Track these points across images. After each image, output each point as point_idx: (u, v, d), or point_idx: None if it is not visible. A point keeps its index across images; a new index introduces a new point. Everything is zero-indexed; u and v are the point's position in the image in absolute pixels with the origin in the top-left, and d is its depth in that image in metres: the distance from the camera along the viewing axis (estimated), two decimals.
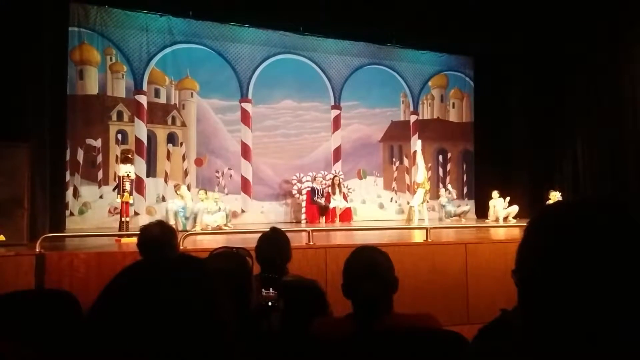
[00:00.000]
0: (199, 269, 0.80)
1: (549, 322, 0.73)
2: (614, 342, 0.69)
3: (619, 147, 10.21)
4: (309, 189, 11.01)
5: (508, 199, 10.71)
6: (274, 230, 3.07)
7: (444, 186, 12.31)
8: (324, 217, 10.95)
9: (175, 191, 8.90)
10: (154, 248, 2.69)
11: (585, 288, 0.71)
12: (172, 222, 7.97)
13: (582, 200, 0.85)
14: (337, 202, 11.04)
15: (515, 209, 10.57)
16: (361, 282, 1.84)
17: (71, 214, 9.29)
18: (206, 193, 9.04)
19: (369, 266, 1.90)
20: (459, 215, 11.29)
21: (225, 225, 8.78)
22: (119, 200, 7.13)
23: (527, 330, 0.76)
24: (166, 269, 0.79)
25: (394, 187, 12.54)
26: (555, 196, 9.96)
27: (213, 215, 8.67)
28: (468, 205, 11.29)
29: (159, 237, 2.74)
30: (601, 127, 10.65)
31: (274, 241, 2.92)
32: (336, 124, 12.06)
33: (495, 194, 10.97)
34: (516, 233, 7.11)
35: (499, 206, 10.76)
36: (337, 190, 11.15)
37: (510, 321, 0.99)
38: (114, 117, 9.96)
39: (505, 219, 10.53)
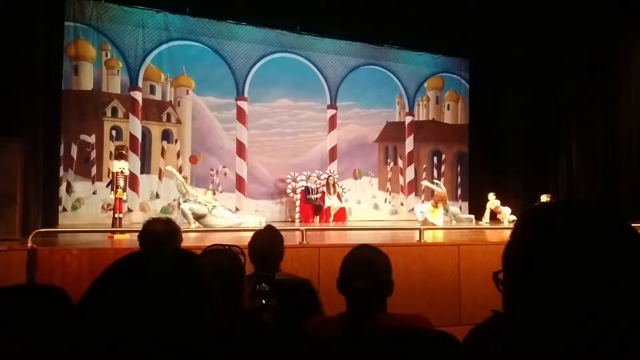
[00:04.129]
0: (191, 263, 0.79)
1: (534, 323, 0.73)
2: (598, 345, 0.69)
3: (614, 150, 10.26)
4: (303, 188, 11.01)
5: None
6: (269, 228, 3.07)
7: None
8: (318, 217, 10.95)
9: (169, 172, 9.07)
10: (153, 244, 2.58)
11: (569, 290, 0.71)
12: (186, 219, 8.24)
13: (567, 202, 0.84)
14: (331, 202, 11.04)
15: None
16: (355, 279, 1.84)
17: (64, 209, 9.24)
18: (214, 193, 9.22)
19: (366, 264, 1.90)
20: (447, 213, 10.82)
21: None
22: (112, 196, 7.08)
23: (515, 331, 0.76)
24: (157, 263, 0.78)
25: (388, 188, 12.56)
26: (543, 199, 9.90)
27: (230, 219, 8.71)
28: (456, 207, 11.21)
29: (161, 233, 2.64)
30: (596, 129, 10.69)
31: (267, 238, 2.91)
32: (332, 123, 12.06)
33: (491, 195, 10.91)
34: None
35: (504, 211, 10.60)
36: (331, 190, 11.15)
37: (501, 322, 0.99)
38: (109, 113, 9.92)
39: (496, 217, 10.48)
